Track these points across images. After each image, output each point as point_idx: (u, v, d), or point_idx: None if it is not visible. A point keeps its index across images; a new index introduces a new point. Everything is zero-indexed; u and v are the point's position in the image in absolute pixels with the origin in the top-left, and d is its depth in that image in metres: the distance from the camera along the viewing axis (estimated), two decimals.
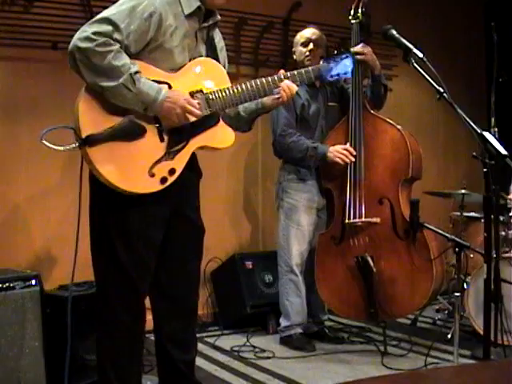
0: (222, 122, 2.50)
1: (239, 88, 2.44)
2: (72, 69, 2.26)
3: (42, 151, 3.80)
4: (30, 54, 3.79)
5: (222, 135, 2.48)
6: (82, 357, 3.03)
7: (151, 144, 2.32)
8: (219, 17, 2.53)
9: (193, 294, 2.67)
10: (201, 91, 2.40)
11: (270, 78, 2.50)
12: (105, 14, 2.25)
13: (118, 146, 2.26)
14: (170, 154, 2.35)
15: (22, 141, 3.80)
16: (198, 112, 2.35)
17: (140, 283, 2.44)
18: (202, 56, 2.48)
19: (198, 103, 2.37)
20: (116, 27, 2.22)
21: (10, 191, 3.80)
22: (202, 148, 2.45)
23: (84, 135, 2.21)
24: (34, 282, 2.98)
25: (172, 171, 2.35)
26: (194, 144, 2.41)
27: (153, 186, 2.32)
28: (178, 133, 2.37)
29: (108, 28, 2.21)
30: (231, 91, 2.43)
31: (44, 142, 2.23)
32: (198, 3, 2.39)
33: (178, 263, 2.55)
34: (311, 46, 3.85)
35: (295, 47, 3.92)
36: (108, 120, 2.26)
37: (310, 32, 3.88)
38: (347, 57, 2.57)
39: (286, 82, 2.50)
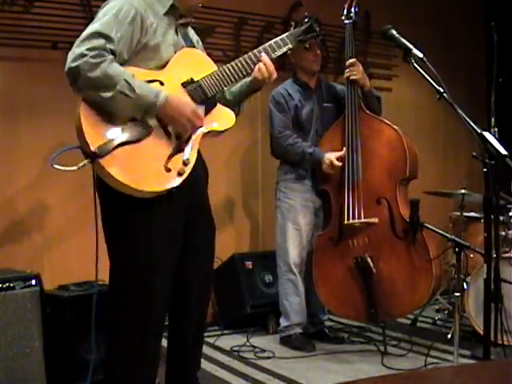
0: (219, 104, 2.53)
1: (225, 68, 2.49)
2: (73, 89, 2.25)
3: (42, 151, 3.84)
4: (30, 54, 3.78)
5: (222, 117, 2.52)
6: (82, 357, 3.02)
7: (159, 140, 2.34)
8: (191, 19, 2.58)
9: (207, 292, 2.67)
10: (191, 80, 2.43)
11: (250, 53, 2.54)
12: (91, 29, 2.26)
13: (129, 151, 2.26)
14: (179, 146, 2.36)
15: (21, 141, 3.80)
16: (201, 123, 2.39)
17: (161, 285, 2.40)
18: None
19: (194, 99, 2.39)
20: (107, 38, 2.24)
21: (9, 191, 3.80)
22: (207, 134, 2.47)
23: (93, 149, 2.20)
24: (33, 282, 2.98)
25: (186, 162, 2.36)
26: (199, 131, 2.43)
27: (172, 180, 2.32)
28: None
29: (100, 41, 2.23)
30: (220, 72, 2.47)
31: (56, 166, 2.22)
32: (171, 1, 2.44)
33: (193, 263, 2.54)
34: (318, 51, 3.83)
35: (295, 50, 3.80)
36: (112, 127, 2.26)
37: None
38: (309, 20, 2.66)
39: (263, 55, 2.52)
